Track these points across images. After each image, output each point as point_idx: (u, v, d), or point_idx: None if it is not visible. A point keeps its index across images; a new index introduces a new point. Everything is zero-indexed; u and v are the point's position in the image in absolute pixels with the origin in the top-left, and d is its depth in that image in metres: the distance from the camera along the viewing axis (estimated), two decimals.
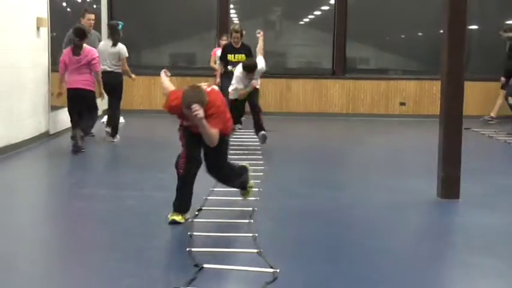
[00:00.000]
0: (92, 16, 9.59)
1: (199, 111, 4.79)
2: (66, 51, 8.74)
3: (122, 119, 10.28)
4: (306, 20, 14.89)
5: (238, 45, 10.51)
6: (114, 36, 9.63)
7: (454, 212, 5.96)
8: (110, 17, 13.71)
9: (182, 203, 5.24)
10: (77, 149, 8.38)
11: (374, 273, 4.23)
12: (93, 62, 8.66)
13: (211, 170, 5.40)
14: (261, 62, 8.97)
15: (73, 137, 8.54)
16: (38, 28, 9.38)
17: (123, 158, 9.07)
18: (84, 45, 8.73)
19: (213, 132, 4.97)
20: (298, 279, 4.05)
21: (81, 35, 8.69)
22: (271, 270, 4.07)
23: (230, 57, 10.55)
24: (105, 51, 9.41)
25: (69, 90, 8.71)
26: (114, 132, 9.57)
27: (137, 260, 4.39)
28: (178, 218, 5.17)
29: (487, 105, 12.79)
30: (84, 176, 7.58)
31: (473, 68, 12.14)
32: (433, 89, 12.86)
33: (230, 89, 8.94)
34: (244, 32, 10.73)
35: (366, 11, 14.25)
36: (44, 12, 9.66)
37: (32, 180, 7.49)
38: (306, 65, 14.76)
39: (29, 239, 5.03)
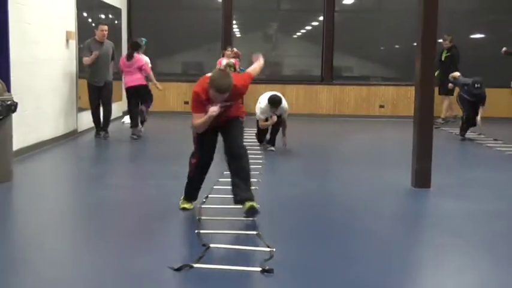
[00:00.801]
0: (105, 27, 9.47)
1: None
2: (123, 57, 9.87)
3: (127, 120, 10.63)
4: (299, 33, 14.90)
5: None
6: (137, 49, 9.91)
7: (425, 199, 5.97)
8: (129, 30, 13.73)
9: (191, 194, 5.20)
10: (134, 135, 9.57)
11: (357, 251, 4.25)
12: (143, 67, 9.66)
13: (232, 150, 4.94)
14: (285, 103, 8.49)
15: (134, 127, 9.72)
16: (67, 40, 9.39)
17: (142, 152, 9.07)
18: (135, 54, 9.63)
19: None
20: (291, 256, 4.07)
21: (133, 46, 9.83)
22: (269, 249, 4.09)
23: None
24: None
25: (127, 89, 9.73)
26: (136, 130, 9.79)
27: (152, 241, 4.40)
28: (187, 205, 5.16)
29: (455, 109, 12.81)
30: (108, 167, 7.59)
31: None
32: (408, 93, 12.86)
33: (257, 114, 8.55)
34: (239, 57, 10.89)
35: (350, 27, 14.28)
36: (72, 26, 9.67)
37: (62, 172, 7.51)
38: (298, 73, 14.76)
39: (58, 221, 5.05)
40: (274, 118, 8.34)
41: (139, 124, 9.95)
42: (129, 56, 9.64)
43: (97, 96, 9.44)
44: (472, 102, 9.74)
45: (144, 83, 9.74)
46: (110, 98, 9.63)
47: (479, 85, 9.51)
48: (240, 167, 4.90)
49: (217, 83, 4.58)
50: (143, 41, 10.44)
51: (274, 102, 8.18)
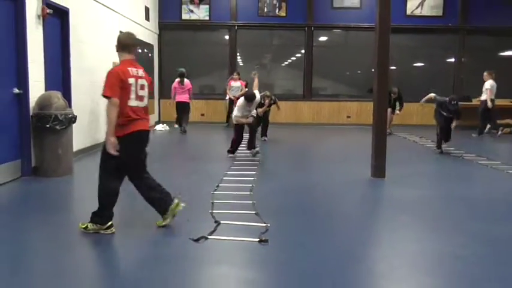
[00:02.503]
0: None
1: None
2: (176, 82, 11.31)
3: (159, 127, 11.75)
4: (286, 62, 14.89)
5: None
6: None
7: (381, 186, 5.96)
8: (160, 61, 13.71)
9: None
10: (183, 133, 11.07)
11: (331, 226, 4.25)
12: (191, 89, 11.44)
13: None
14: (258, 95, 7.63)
15: (180, 127, 11.30)
16: None
17: (169, 153, 9.04)
18: (185, 79, 11.30)
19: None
20: (282, 230, 4.06)
21: (182, 75, 11.29)
22: (264, 224, 4.09)
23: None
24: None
25: (177, 102, 11.34)
26: (183, 129, 11.31)
27: (178, 217, 4.37)
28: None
29: (404, 119, 12.80)
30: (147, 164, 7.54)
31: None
32: (368, 107, 12.71)
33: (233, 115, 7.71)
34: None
35: (325, 57, 14.27)
36: (117, 58, 9.62)
37: None
38: (286, 92, 14.73)
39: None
40: (250, 119, 7.55)
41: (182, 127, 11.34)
42: (181, 81, 11.28)
43: None
44: (448, 117, 8.39)
45: (188, 100, 11.43)
46: None
47: (455, 102, 8.27)
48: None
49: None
50: (183, 70, 11.61)
51: (249, 97, 7.21)
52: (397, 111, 11.12)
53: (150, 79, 4.00)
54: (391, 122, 11.28)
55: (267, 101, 9.72)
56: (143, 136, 3.79)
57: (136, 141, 3.76)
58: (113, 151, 3.61)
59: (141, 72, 3.82)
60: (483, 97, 11.20)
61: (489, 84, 11.17)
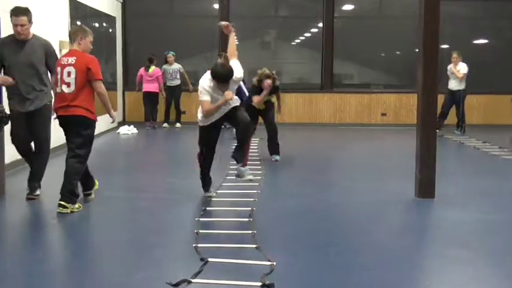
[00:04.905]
0: (19, 19, 6.05)
1: None
2: (142, 69, 12.67)
3: (122, 130, 12.04)
4: (298, 40, 14.95)
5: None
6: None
7: (429, 210, 5.95)
8: (124, 38, 13.77)
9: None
10: (153, 129, 12.66)
11: (361, 263, 4.23)
12: (159, 77, 12.69)
13: None
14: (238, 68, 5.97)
15: (148, 120, 12.80)
16: (60, 50, 9.38)
17: (136, 163, 9.04)
18: (152, 66, 12.60)
19: None
20: (293, 270, 4.05)
21: (150, 60, 12.63)
22: (269, 263, 4.07)
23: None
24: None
25: (144, 92, 12.75)
26: (178, 120, 13.15)
27: (150, 255, 4.38)
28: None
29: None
30: (104, 179, 7.55)
31: (445, 82, 12.16)
32: (411, 101, 12.90)
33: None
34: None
35: (350, 33, 14.33)
36: (65, 36, 9.65)
37: (56, 185, 7.46)
38: (298, 81, 14.80)
39: (51, 235, 5.03)
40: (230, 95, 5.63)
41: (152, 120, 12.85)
42: (147, 68, 12.59)
43: (24, 130, 6.06)
44: None
45: (157, 90, 12.75)
46: (45, 135, 6.20)
47: None
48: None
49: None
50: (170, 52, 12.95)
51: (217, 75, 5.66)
52: None
53: (83, 66, 5.46)
54: None
55: (267, 82, 8.25)
56: (61, 121, 5.67)
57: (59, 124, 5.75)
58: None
59: (71, 59, 5.48)
60: (462, 86, 11.98)
61: (465, 68, 11.80)
